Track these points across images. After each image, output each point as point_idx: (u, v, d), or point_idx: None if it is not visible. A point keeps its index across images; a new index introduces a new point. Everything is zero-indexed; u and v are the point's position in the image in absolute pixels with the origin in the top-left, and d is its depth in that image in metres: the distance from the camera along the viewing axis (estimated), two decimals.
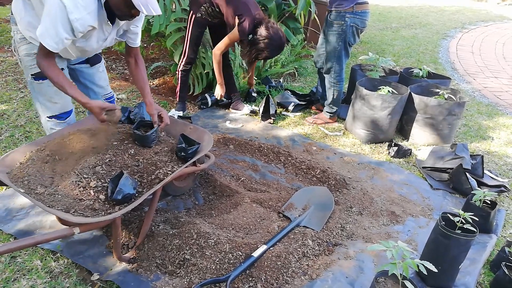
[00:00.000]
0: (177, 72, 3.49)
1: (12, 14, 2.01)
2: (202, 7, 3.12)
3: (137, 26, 2.13)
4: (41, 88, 2.11)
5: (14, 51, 2.11)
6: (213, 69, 3.89)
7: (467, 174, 2.71)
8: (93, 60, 2.32)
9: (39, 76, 2.07)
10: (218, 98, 3.59)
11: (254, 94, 4.02)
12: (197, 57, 3.60)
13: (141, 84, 2.27)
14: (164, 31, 3.80)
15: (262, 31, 3.00)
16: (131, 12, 1.84)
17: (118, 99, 3.78)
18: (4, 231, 2.08)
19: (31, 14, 1.94)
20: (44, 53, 1.85)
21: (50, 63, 1.89)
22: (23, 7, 1.94)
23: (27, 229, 2.10)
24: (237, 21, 3.02)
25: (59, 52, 2.00)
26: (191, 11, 3.19)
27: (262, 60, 4.23)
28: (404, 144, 3.36)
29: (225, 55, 3.46)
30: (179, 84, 3.52)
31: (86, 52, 2.11)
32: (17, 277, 1.84)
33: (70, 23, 1.74)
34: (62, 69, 2.16)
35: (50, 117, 2.21)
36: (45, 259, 1.94)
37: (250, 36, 3.05)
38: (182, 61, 3.41)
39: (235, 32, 3.07)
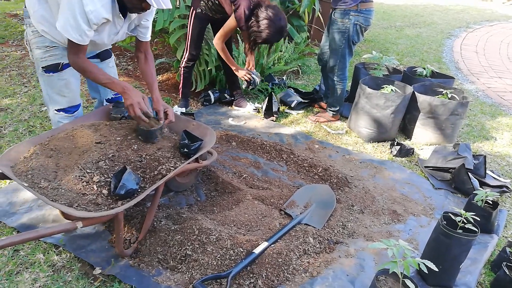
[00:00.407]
0: (179, 69, 3.49)
1: (25, 7, 2.03)
2: (202, 2, 3.10)
3: (148, 20, 2.14)
4: (51, 81, 2.14)
5: (27, 44, 2.14)
6: (216, 66, 3.91)
7: (469, 174, 2.71)
8: (103, 55, 2.34)
9: (49, 69, 2.10)
10: (246, 79, 3.37)
11: (255, 77, 3.42)
12: (200, 53, 3.59)
13: (150, 80, 2.27)
14: (168, 28, 3.81)
15: (260, 13, 2.83)
16: (142, 5, 1.86)
17: None
18: (7, 224, 2.09)
19: (44, 7, 1.96)
20: (74, 51, 1.90)
21: (84, 59, 1.95)
22: (37, 1, 1.96)
23: (30, 223, 2.11)
24: (233, 8, 2.94)
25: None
26: (192, 7, 3.18)
27: (266, 51, 4.19)
28: (407, 143, 3.36)
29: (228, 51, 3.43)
30: (181, 81, 3.52)
31: (96, 46, 2.13)
32: (20, 270, 1.86)
33: (86, 15, 1.77)
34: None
35: (58, 110, 2.23)
36: (48, 253, 1.95)
37: (249, 22, 2.90)
38: (184, 58, 3.40)
39: (231, 19, 2.98)
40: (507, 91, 4.91)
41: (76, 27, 1.79)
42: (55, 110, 2.23)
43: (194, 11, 3.16)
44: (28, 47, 2.13)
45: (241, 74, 3.37)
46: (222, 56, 3.25)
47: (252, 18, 2.85)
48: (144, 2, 1.82)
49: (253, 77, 3.38)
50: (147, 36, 2.21)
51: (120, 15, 1.93)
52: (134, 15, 2.04)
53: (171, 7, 1.87)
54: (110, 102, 2.49)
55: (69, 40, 1.86)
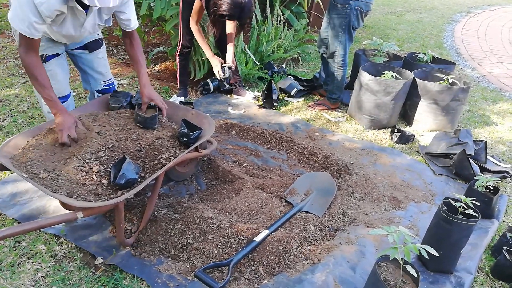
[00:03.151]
0: (176, 57, 3.46)
1: None
2: None
3: (125, 12, 2.07)
4: None
5: (14, 35, 2.11)
6: (215, 54, 3.86)
7: (470, 159, 2.70)
8: (92, 46, 2.31)
9: None
10: (218, 72, 3.26)
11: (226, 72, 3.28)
12: (194, 40, 3.53)
13: (137, 65, 2.25)
14: (165, 15, 3.76)
15: None
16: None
17: (119, 84, 3.77)
18: (8, 216, 2.09)
19: None
20: (23, 44, 1.81)
21: (33, 59, 1.85)
22: None
23: (31, 214, 2.11)
24: None
25: (52, 36, 1.99)
26: None
27: (266, 38, 4.10)
28: (407, 129, 3.34)
29: (223, 39, 3.38)
30: (178, 69, 3.49)
31: (71, 37, 2.07)
32: (21, 261, 1.86)
33: (36, 7, 1.70)
34: (58, 54, 2.15)
35: None
36: (49, 244, 1.96)
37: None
38: (178, 45, 3.37)
39: None
40: (508, 76, 4.87)
41: (23, 18, 1.71)
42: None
43: None
44: (15, 38, 2.07)
45: (214, 64, 3.25)
46: (196, 38, 3.19)
47: None
48: None
49: (224, 71, 3.25)
50: (131, 26, 2.17)
51: (79, 7, 1.84)
52: (96, 8, 1.95)
53: (111, 5, 1.74)
54: (100, 93, 2.47)
55: (19, 33, 1.78)
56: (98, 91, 2.48)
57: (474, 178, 2.37)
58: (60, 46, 2.17)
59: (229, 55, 3.27)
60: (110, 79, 2.50)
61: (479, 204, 1.94)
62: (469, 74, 4.83)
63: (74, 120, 1.98)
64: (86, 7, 1.89)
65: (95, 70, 2.39)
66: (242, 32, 3.95)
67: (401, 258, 1.56)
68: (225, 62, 3.27)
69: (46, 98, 1.93)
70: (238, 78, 3.76)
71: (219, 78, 3.29)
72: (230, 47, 3.27)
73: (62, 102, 2.22)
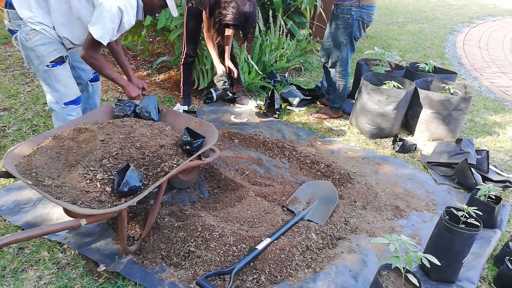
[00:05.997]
0: (180, 66, 3.50)
1: (4, 7, 2.09)
2: None
3: None
4: (59, 73, 2.23)
5: (19, 45, 2.17)
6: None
7: (472, 169, 2.71)
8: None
9: (57, 62, 2.20)
10: (220, 73, 3.38)
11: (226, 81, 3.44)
12: (198, 50, 3.57)
13: (118, 55, 2.47)
14: (169, 26, 3.81)
15: None
16: (160, 11, 2.21)
17: (119, 88, 3.80)
18: (12, 223, 2.11)
19: (42, 5, 2.10)
20: (98, 49, 2.13)
21: (101, 56, 2.19)
22: (35, 2, 2.09)
23: (35, 221, 2.13)
24: None
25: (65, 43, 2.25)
26: (186, 3, 3.19)
27: (268, 48, 4.15)
28: (409, 139, 3.35)
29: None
30: (182, 78, 3.53)
31: None
32: (24, 267, 1.87)
33: (121, 25, 2.04)
34: (67, 56, 2.30)
35: (67, 103, 2.31)
36: (52, 251, 1.97)
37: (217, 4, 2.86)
38: (182, 55, 3.42)
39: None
40: (510, 86, 4.89)
41: (112, 34, 2.06)
42: (64, 103, 2.30)
43: (186, 6, 3.17)
44: (23, 47, 2.17)
45: (219, 71, 3.37)
46: (207, 45, 3.31)
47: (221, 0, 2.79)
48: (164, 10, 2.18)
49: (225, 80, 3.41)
50: None
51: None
52: None
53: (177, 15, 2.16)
54: (92, 81, 2.64)
55: (94, 41, 2.05)
56: (91, 80, 2.64)
57: (476, 187, 2.37)
58: (64, 48, 2.30)
59: (226, 56, 3.41)
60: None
61: (481, 214, 1.94)
62: (471, 84, 4.85)
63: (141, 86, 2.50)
64: None
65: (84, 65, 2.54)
66: (245, 42, 4.00)
67: (403, 267, 1.56)
68: (224, 66, 3.41)
69: (115, 78, 2.28)
70: (241, 87, 3.79)
71: (217, 85, 3.44)
72: (226, 49, 3.39)
73: (79, 103, 2.42)
